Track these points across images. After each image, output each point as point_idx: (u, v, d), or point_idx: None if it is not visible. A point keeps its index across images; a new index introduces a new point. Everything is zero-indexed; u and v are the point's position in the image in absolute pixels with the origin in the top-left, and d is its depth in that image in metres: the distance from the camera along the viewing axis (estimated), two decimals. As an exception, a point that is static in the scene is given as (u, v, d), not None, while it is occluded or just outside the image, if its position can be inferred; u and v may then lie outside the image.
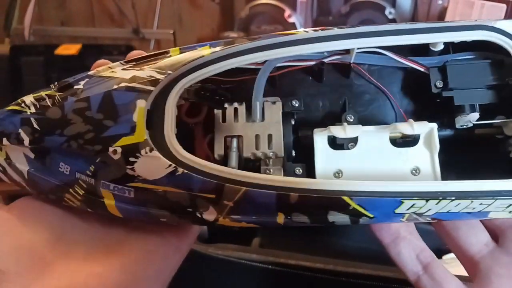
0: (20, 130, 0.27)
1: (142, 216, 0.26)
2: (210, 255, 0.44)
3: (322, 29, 0.26)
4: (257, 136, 0.28)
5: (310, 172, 0.29)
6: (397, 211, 0.24)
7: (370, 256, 0.40)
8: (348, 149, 0.28)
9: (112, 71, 0.28)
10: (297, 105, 0.30)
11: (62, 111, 0.27)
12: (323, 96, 0.31)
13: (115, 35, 1.29)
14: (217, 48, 0.27)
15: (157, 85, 0.26)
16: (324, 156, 0.28)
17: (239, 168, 0.28)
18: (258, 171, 0.29)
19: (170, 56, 0.28)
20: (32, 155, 0.27)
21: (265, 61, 0.28)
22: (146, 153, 0.25)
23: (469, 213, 0.24)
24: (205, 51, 0.27)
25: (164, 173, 0.25)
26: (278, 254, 0.43)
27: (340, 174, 0.28)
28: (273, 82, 0.31)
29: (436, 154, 0.27)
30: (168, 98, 0.26)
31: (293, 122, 0.30)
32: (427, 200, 0.23)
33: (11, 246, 0.24)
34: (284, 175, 0.29)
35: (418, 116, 0.30)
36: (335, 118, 0.30)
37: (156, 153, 0.25)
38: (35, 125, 0.27)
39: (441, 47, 0.28)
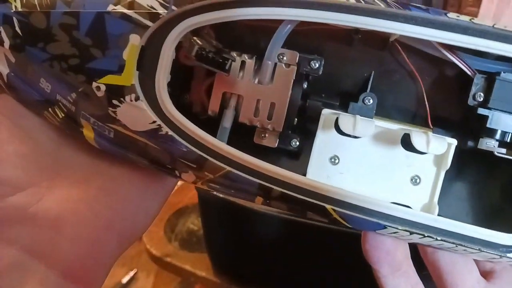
0: (1, 29, 0.24)
1: (120, 156, 0.25)
2: None
3: (366, 2, 0.21)
4: (258, 101, 0.25)
5: (306, 147, 0.27)
6: (378, 231, 0.23)
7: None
8: (356, 137, 0.26)
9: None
10: (315, 66, 0.26)
11: (47, 21, 0.23)
12: (348, 63, 0.27)
13: None
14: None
15: (156, 21, 0.22)
16: (326, 138, 0.26)
17: (233, 128, 0.26)
18: (253, 132, 0.26)
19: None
20: (13, 59, 0.24)
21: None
22: (131, 100, 0.22)
23: (450, 250, 0.23)
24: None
25: (147, 128, 0.23)
26: None
27: (337, 161, 0.26)
28: (297, 34, 0.26)
29: (443, 171, 0.25)
30: (166, 40, 0.22)
31: (305, 86, 0.27)
32: (411, 233, 0.22)
33: (16, 154, 0.23)
34: (279, 144, 0.27)
35: (443, 120, 0.26)
36: (354, 94, 0.27)
37: (141, 103, 0.22)
38: (17, 29, 0.24)
39: (501, 52, 0.23)
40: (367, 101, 0.26)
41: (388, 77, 0.27)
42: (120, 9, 0.22)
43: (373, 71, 0.27)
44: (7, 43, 0.24)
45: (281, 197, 0.22)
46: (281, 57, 0.26)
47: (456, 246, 0.22)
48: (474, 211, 0.26)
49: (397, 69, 0.27)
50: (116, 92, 0.22)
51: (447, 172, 0.25)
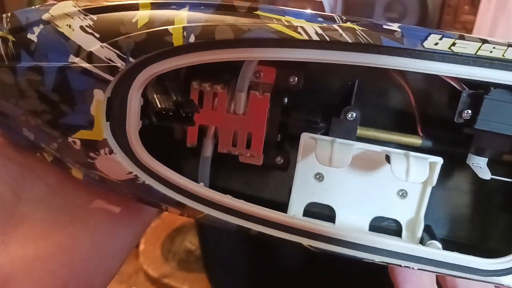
0: (-24, 84, 0.24)
1: (110, 192, 0.26)
2: None
3: (330, 36, 0.19)
4: (235, 132, 0.24)
5: (293, 159, 0.27)
6: (357, 260, 0.23)
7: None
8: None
9: (69, 25, 0.23)
10: (294, 82, 0.25)
11: (15, 76, 0.23)
12: (331, 72, 0.26)
13: None
14: (193, 31, 0.20)
15: (116, 75, 0.21)
16: (309, 157, 0.25)
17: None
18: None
19: (137, 19, 0.22)
20: (-6, 109, 0.25)
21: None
22: (106, 154, 0.23)
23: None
24: (177, 35, 0.21)
25: (125, 177, 0.23)
26: None
27: (321, 178, 0.26)
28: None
29: (430, 187, 0.24)
30: (131, 90, 0.22)
31: (285, 101, 0.26)
32: (388, 263, 0.22)
33: None
34: (264, 161, 0.27)
35: (431, 134, 0.25)
36: (337, 106, 0.26)
37: (115, 157, 0.23)
38: (-10, 84, 0.24)
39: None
40: (349, 116, 0.25)
41: (375, 85, 0.25)
42: (80, 62, 0.22)
43: (357, 80, 0.25)
44: (-16, 98, 0.24)
45: (260, 235, 0.23)
46: (258, 75, 0.25)
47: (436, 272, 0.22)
48: (461, 225, 0.26)
49: (382, 77, 0.25)
50: (91, 146, 0.23)
51: (438, 189, 0.25)
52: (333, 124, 0.25)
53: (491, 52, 0.19)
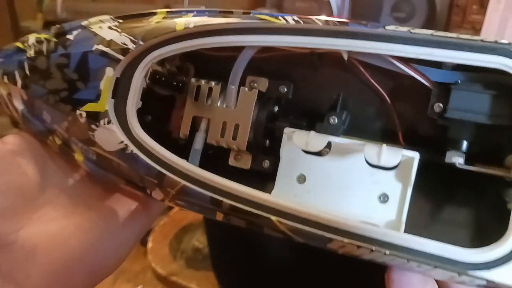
0: (16, 72, 0.29)
1: (103, 178, 0.28)
2: None
3: (305, 22, 0.23)
4: (224, 123, 0.27)
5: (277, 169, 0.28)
6: (328, 246, 0.22)
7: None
8: (321, 155, 0.26)
9: (100, 27, 0.28)
10: (284, 91, 0.28)
11: (47, 62, 0.28)
12: (317, 87, 0.28)
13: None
14: (194, 22, 0.25)
15: (126, 55, 0.25)
16: (291, 157, 0.26)
17: (212, 153, 0.27)
18: (228, 154, 0.28)
19: (152, 20, 0.26)
20: (25, 97, 0.29)
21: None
22: (104, 124, 0.25)
23: (404, 267, 0.22)
24: (180, 24, 0.25)
25: (116, 148, 0.25)
26: None
27: (303, 180, 0.26)
28: (265, 61, 0.28)
29: (410, 188, 0.24)
30: (136, 70, 0.25)
31: (276, 109, 0.28)
32: (358, 247, 0.21)
33: (8, 184, 0.24)
34: (252, 165, 0.28)
35: (414, 135, 0.25)
36: (323, 114, 0.27)
37: (112, 126, 0.25)
38: (27, 71, 0.28)
39: (456, 62, 0.23)
40: (332, 120, 0.26)
41: (357, 98, 0.27)
42: (100, 47, 0.26)
43: (341, 93, 0.27)
44: (19, 83, 0.29)
45: (232, 209, 0.23)
46: (253, 84, 0.28)
47: (408, 262, 0.21)
48: (448, 229, 0.24)
49: (364, 89, 0.27)
50: (93, 117, 0.26)
51: (419, 189, 0.24)
52: (317, 128, 0.26)
53: (445, 33, 0.21)
